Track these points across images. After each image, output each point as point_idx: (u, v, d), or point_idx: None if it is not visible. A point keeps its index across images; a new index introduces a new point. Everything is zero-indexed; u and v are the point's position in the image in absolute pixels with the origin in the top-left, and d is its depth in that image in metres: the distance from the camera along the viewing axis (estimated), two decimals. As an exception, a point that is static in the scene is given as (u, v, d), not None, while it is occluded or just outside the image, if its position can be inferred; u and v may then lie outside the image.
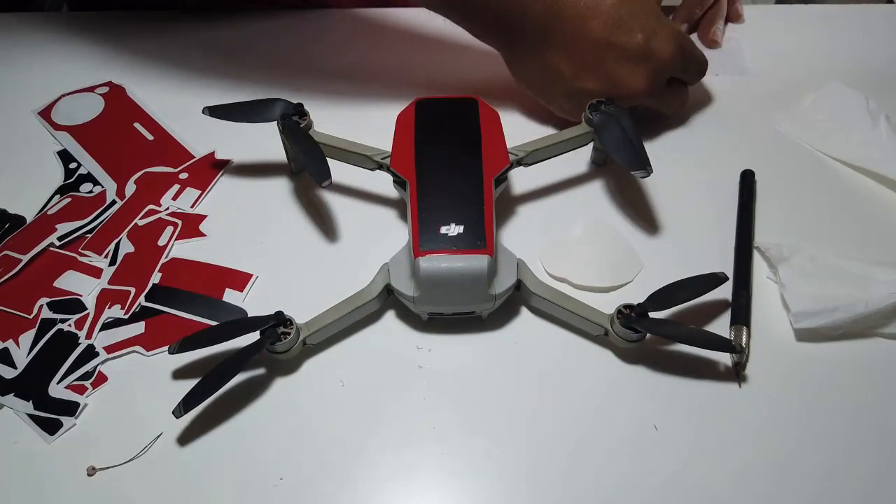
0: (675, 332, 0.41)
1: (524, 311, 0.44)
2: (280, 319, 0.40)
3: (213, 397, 0.39)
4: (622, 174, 0.52)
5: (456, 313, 0.42)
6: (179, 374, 0.41)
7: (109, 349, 0.43)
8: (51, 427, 0.39)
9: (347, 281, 0.43)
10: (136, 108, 0.58)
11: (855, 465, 0.38)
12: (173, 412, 0.37)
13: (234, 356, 0.39)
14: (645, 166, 0.45)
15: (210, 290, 0.45)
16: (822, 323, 0.42)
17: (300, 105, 0.49)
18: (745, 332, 0.42)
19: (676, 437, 0.39)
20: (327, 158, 0.46)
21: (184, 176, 0.52)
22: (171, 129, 0.56)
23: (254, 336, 0.40)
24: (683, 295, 0.42)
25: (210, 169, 0.53)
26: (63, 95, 0.59)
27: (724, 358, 0.42)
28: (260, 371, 0.42)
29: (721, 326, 0.43)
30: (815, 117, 0.57)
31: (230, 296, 0.45)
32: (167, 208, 0.50)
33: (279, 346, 0.40)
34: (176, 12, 0.66)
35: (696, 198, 0.50)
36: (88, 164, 0.53)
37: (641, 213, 0.50)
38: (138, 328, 0.44)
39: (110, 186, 0.51)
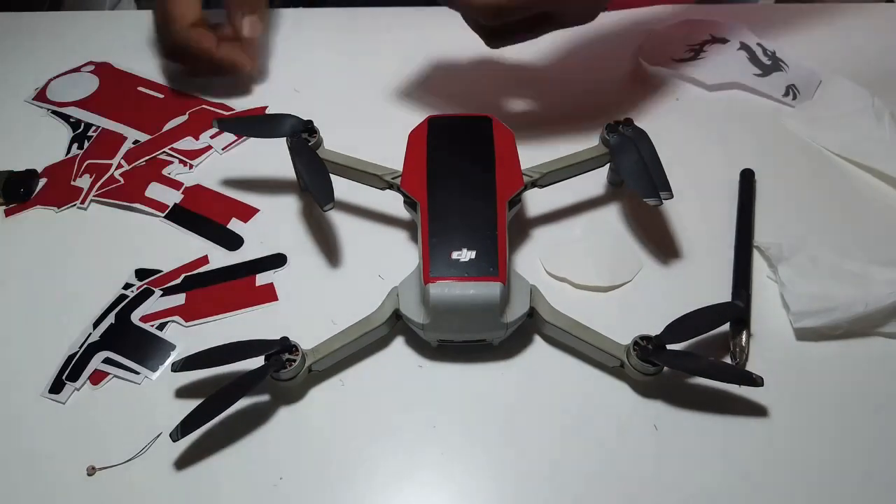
0: (695, 366, 0.40)
1: (537, 339, 0.43)
2: (285, 346, 0.39)
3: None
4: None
5: (466, 341, 0.42)
6: (182, 391, 0.41)
7: (147, 318, 0.44)
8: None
9: (356, 304, 0.42)
10: (132, 77, 0.60)
11: (855, 465, 0.38)
12: (170, 435, 0.37)
13: (236, 383, 0.38)
14: (657, 194, 0.44)
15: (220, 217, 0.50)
16: (822, 322, 0.42)
17: (310, 122, 0.48)
18: (744, 332, 0.42)
19: (676, 437, 0.39)
20: (337, 176, 0.45)
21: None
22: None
23: (259, 360, 0.39)
24: (702, 326, 0.41)
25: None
26: (51, 79, 0.59)
27: (724, 357, 0.42)
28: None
29: (721, 326, 0.43)
30: (819, 113, 0.56)
31: (235, 225, 0.49)
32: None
33: (284, 373, 0.39)
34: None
35: (696, 197, 0.50)
36: (112, 126, 0.55)
37: (641, 212, 0.49)
38: (178, 299, 0.45)
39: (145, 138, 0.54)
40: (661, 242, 0.48)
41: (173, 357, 0.42)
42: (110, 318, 0.44)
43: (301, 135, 0.47)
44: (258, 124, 0.49)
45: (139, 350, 0.42)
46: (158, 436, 0.39)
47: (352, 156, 0.48)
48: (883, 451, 0.38)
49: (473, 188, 0.43)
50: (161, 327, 0.44)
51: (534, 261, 0.47)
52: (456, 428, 0.40)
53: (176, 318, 0.44)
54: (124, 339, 0.43)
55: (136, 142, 0.54)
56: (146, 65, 0.61)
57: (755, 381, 0.38)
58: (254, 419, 0.40)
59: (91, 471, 0.38)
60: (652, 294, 0.45)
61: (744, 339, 0.42)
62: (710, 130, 0.56)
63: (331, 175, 0.45)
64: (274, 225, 0.49)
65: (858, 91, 0.57)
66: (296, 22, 0.67)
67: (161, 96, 0.58)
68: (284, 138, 0.48)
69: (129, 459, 0.38)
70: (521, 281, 0.42)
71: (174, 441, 0.37)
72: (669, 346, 0.39)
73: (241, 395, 0.38)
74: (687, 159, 0.53)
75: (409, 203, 0.44)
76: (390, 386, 0.41)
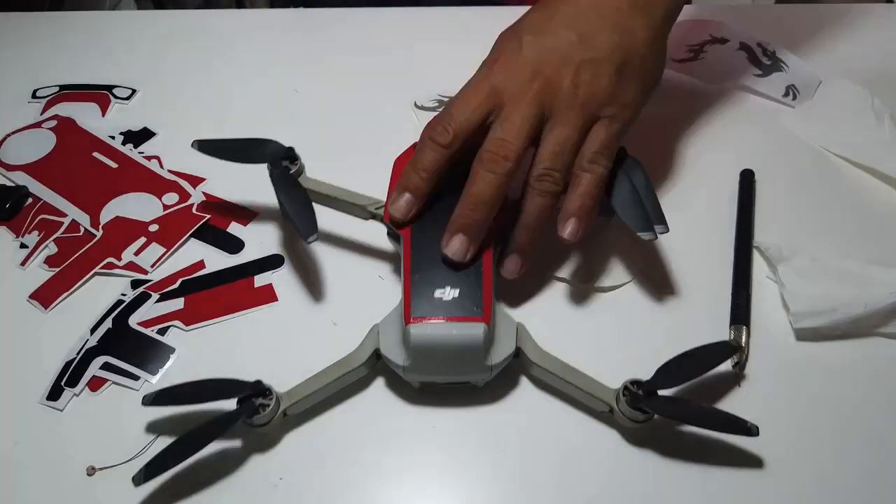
0: (687, 415, 0.38)
1: (523, 380, 0.41)
2: (258, 389, 0.37)
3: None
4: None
5: (449, 383, 0.40)
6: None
7: (147, 324, 0.44)
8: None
9: (356, 304, 0.42)
10: (91, 137, 0.55)
11: (855, 465, 0.38)
12: (133, 479, 0.35)
13: (206, 427, 0.36)
14: (652, 228, 0.41)
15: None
16: (822, 323, 0.42)
17: (291, 149, 0.46)
18: (744, 332, 0.42)
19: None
20: (319, 205, 0.43)
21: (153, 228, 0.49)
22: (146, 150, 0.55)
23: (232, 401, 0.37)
24: (696, 369, 0.39)
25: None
26: (8, 135, 0.56)
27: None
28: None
29: (721, 326, 0.43)
30: (819, 113, 0.56)
31: (234, 228, 0.48)
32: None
33: (257, 419, 0.37)
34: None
35: (696, 197, 0.50)
36: (53, 199, 0.51)
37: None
38: (177, 304, 0.45)
39: (82, 219, 0.50)
40: (661, 242, 0.48)
41: (173, 360, 0.42)
42: (108, 323, 0.44)
43: (282, 162, 0.45)
44: (238, 149, 0.47)
45: (138, 354, 0.42)
46: (158, 436, 0.39)
47: (334, 184, 0.46)
48: (883, 451, 0.38)
49: None
50: (162, 332, 0.44)
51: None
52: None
53: (176, 322, 0.44)
54: (123, 343, 0.43)
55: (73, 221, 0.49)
56: (142, 64, 0.61)
57: (749, 431, 0.36)
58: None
59: (91, 471, 0.38)
60: (651, 294, 0.45)
61: (744, 339, 0.42)
62: (710, 131, 0.56)
63: (317, 192, 0.44)
64: (274, 226, 0.49)
65: (858, 91, 0.57)
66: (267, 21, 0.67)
67: (115, 165, 0.53)
68: (266, 164, 0.45)
69: (129, 459, 0.38)
70: (506, 319, 0.40)
71: (136, 486, 0.35)
72: (661, 392, 0.38)
73: (211, 440, 0.36)
74: (687, 160, 0.53)
75: (393, 235, 0.42)
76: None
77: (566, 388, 0.39)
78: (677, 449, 0.38)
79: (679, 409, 0.38)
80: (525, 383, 0.41)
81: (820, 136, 0.55)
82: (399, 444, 0.39)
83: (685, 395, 0.40)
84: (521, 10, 0.45)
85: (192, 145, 0.48)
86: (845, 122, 0.55)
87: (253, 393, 0.37)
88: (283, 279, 0.46)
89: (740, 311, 0.43)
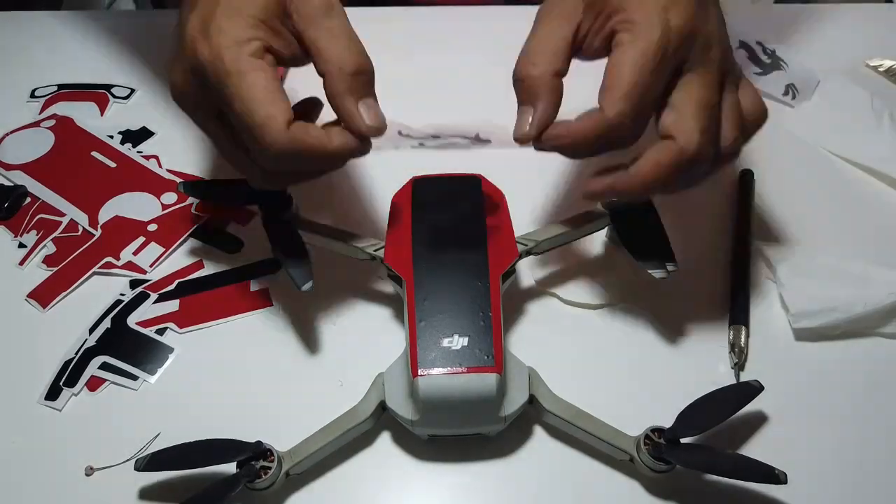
0: (713, 464, 0.36)
1: (537, 430, 0.40)
2: (258, 451, 0.36)
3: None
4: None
5: (460, 435, 0.38)
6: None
7: (144, 324, 0.44)
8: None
9: (357, 305, 0.41)
10: (89, 137, 0.55)
11: (854, 465, 0.38)
12: None
13: (202, 498, 0.34)
14: (663, 265, 0.41)
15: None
16: (821, 322, 0.42)
17: (283, 189, 0.44)
18: (743, 332, 0.42)
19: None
20: (313, 246, 0.42)
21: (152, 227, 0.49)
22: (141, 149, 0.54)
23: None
24: (718, 414, 0.37)
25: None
26: (6, 134, 0.55)
27: (724, 357, 0.42)
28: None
29: (720, 326, 0.43)
30: (818, 113, 0.56)
31: (233, 228, 0.48)
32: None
33: (259, 483, 0.35)
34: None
35: (695, 197, 0.50)
36: (51, 198, 0.51)
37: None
38: (172, 306, 0.45)
39: (81, 218, 0.50)
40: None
41: (172, 360, 0.42)
42: (106, 323, 0.44)
43: (274, 203, 0.44)
44: (228, 188, 0.46)
45: (137, 354, 0.42)
46: (157, 436, 0.39)
47: (329, 225, 0.44)
48: (881, 450, 0.38)
49: (464, 262, 0.39)
50: (161, 332, 0.44)
51: (524, 272, 0.46)
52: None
53: (170, 324, 0.44)
54: (121, 343, 0.43)
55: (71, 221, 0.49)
56: (141, 63, 0.61)
57: (778, 479, 0.34)
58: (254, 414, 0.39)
59: (89, 471, 0.38)
60: (651, 294, 0.45)
61: (743, 339, 0.42)
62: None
63: (312, 234, 0.43)
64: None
65: (858, 91, 0.57)
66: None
67: (113, 165, 0.53)
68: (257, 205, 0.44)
69: (128, 459, 0.38)
70: (518, 365, 0.38)
71: None
72: (683, 440, 0.36)
73: None
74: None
75: (394, 278, 0.41)
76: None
77: (583, 436, 0.38)
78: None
79: (703, 459, 0.36)
80: (539, 431, 0.40)
81: (819, 136, 0.55)
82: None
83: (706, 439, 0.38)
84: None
85: (178, 188, 0.47)
86: (844, 121, 0.55)
87: (253, 455, 0.35)
88: (280, 282, 0.46)
89: (739, 312, 0.43)
